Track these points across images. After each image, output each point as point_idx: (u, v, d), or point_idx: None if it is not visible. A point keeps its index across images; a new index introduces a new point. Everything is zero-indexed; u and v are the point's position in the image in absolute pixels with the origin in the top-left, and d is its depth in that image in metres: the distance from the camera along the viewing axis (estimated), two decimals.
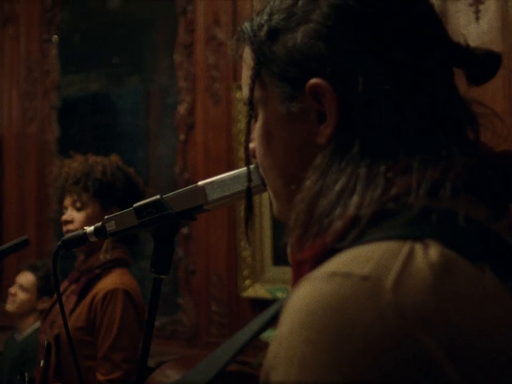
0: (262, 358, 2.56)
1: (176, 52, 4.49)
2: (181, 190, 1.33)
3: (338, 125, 0.87)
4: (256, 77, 0.97)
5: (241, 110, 4.15)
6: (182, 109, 4.47)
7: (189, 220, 1.36)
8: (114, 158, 2.74)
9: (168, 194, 1.33)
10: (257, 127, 0.99)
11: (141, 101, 4.75)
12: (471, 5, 3.60)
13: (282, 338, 0.73)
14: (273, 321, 0.85)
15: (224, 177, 1.27)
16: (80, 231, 1.45)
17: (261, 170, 1.00)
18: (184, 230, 4.44)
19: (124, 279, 2.59)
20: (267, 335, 2.97)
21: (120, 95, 4.84)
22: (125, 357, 2.47)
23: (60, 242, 1.50)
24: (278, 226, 4.08)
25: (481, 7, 3.57)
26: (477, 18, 3.59)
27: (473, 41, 3.59)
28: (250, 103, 0.98)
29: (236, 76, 4.28)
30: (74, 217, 2.63)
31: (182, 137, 4.46)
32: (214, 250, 4.34)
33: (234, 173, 1.26)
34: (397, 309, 0.67)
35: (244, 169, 1.22)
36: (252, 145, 1.02)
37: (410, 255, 0.72)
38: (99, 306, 2.51)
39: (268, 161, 0.98)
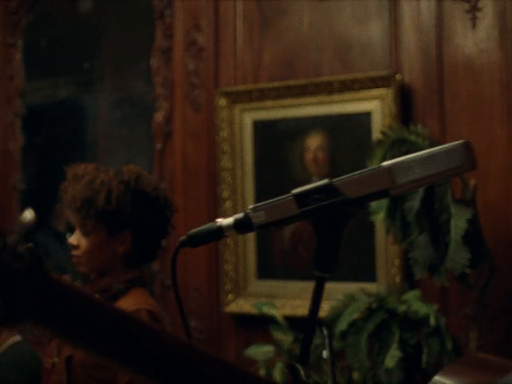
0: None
1: (153, 57, 4.32)
2: (356, 173, 1.17)
3: None
4: None
5: (224, 118, 3.99)
6: (159, 116, 4.29)
7: (361, 208, 1.19)
8: (129, 174, 2.44)
9: (338, 179, 1.16)
10: None
11: (113, 108, 4.54)
12: (467, 11, 3.52)
13: None
14: None
15: (416, 156, 1.10)
16: (212, 224, 1.27)
17: None
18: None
19: (145, 299, 2.39)
20: (251, 351, 2.78)
21: (91, 102, 4.63)
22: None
23: (183, 237, 1.31)
24: (262, 239, 3.93)
25: (478, 14, 3.50)
26: (474, 26, 3.51)
27: (469, 49, 3.55)
28: None
29: (218, 82, 4.12)
30: (80, 242, 2.42)
31: (158, 146, 4.28)
32: (193, 263, 4.16)
33: (429, 152, 1.09)
34: None
35: (441, 147, 1.07)
36: None
37: None
38: None
39: None
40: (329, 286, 3.63)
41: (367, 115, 3.70)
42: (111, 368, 2.27)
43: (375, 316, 3.08)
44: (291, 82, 3.86)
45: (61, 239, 4.87)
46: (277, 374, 3.49)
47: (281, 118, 3.92)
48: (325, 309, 3.65)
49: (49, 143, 4.83)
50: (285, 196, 1.23)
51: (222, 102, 4.01)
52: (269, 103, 3.93)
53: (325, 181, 1.18)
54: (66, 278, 4.84)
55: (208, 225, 1.29)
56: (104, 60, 4.59)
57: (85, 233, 2.40)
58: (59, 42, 4.75)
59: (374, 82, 3.66)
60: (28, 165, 4.90)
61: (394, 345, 2.94)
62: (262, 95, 3.93)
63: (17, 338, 3.46)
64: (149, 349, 0.84)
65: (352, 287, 3.66)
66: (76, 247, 2.43)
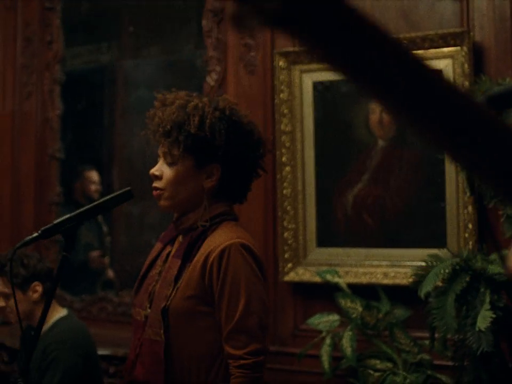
0: (309, 349, 2.32)
1: (204, 19, 4.15)
2: None
3: None
4: None
5: (283, 80, 3.84)
6: (211, 80, 4.13)
7: None
8: (224, 103, 2.27)
9: None
10: None
11: (160, 73, 4.38)
12: None
13: None
14: None
15: None
16: None
17: None
18: None
19: (236, 232, 2.22)
20: (315, 321, 2.65)
21: (135, 68, 4.46)
22: (259, 323, 2.11)
23: None
24: (323, 204, 3.78)
25: None
26: None
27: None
28: None
29: (275, 44, 3.97)
30: (164, 172, 2.23)
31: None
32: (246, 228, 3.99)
33: None
34: None
35: None
36: None
37: None
38: (215, 266, 2.11)
39: None
40: (396, 253, 3.51)
41: None
42: (211, 315, 2.13)
43: (461, 277, 2.93)
44: None
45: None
46: (346, 343, 3.34)
47: (343, 79, 3.76)
48: (401, 275, 3.52)
49: (89, 111, 4.67)
50: None
51: (281, 63, 3.86)
52: None
53: None
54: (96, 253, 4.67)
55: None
56: (149, 23, 4.42)
57: (171, 163, 2.22)
58: (100, 6, 4.58)
59: (445, 40, 3.51)
60: (67, 134, 4.73)
61: (486, 306, 2.80)
62: None
63: (64, 313, 3.32)
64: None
65: (419, 253, 3.52)
66: (159, 177, 2.24)
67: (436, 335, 3.05)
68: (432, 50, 3.54)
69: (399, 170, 3.63)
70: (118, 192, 2.17)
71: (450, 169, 3.49)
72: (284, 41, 3.93)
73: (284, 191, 3.82)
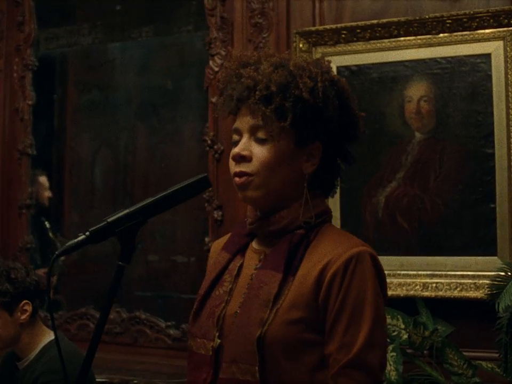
0: None
1: None
2: None
3: None
4: None
5: None
6: (214, 65, 3.62)
7: None
8: (326, 64, 1.74)
9: None
10: None
11: (154, 57, 3.85)
12: None
13: None
14: None
15: None
16: None
17: None
18: (214, 213, 3.58)
19: (355, 237, 1.68)
20: None
21: (124, 51, 3.92)
22: (381, 359, 1.58)
23: None
24: (349, 207, 3.31)
25: None
26: None
27: None
28: None
29: (290, 22, 3.49)
30: (254, 153, 1.66)
31: (215, 99, 3.60)
32: None
33: None
34: None
35: None
36: None
37: None
38: (337, 280, 1.57)
39: None
40: (437, 261, 3.04)
41: (485, 57, 3.12)
42: (321, 345, 1.60)
43: None
44: (387, 20, 3.26)
45: None
46: (390, 365, 2.87)
47: (374, 64, 3.30)
48: (443, 287, 3.10)
49: (66, 101, 4.12)
50: None
51: (301, 44, 3.37)
52: (359, 45, 3.32)
53: None
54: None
55: None
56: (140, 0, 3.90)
57: (263, 139, 1.67)
58: None
59: (496, 19, 3.08)
60: (40, 127, 4.16)
61: None
62: (350, 35, 3.32)
63: (52, 335, 2.74)
64: None
65: (464, 262, 3.09)
66: (247, 159, 1.68)
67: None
68: (481, 31, 3.11)
69: (440, 167, 3.18)
70: (192, 179, 1.62)
71: (501, 164, 3.06)
72: (302, 20, 3.45)
73: None
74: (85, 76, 4.13)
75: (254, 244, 1.78)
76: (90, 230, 1.48)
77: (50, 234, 4.20)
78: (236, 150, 1.69)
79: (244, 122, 1.70)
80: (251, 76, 1.68)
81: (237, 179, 1.69)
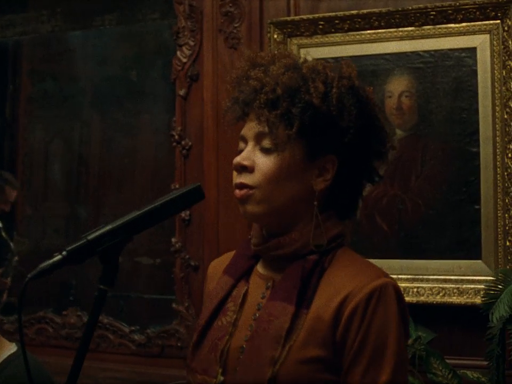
0: None
1: None
2: None
3: None
4: None
5: None
6: (182, 55, 3.43)
7: None
8: (349, 68, 1.56)
9: None
10: None
11: (117, 47, 3.65)
12: None
13: None
14: None
15: None
16: None
17: None
18: (182, 213, 3.39)
19: (376, 266, 1.51)
20: None
21: (85, 40, 3.70)
22: None
23: None
24: None
25: None
26: None
27: None
28: None
29: (263, 12, 3.31)
30: (258, 163, 1.50)
31: (182, 91, 3.42)
32: (226, 236, 3.33)
33: None
34: None
35: None
36: None
37: None
38: (358, 315, 1.40)
39: None
40: (418, 265, 2.91)
41: (471, 51, 2.98)
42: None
43: None
44: (367, 10, 3.11)
45: None
46: None
47: (353, 56, 3.14)
48: (425, 292, 2.98)
49: (20, 91, 3.90)
50: None
51: (276, 35, 3.20)
52: (337, 37, 3.15)
53: None
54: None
55: None
56: None
57: (268, 149, 1.49)
58: None
59: (483, 12, 2.94)
60: None
61: None
62: (328, 26, 3.16)
63: (13, 348, 2.51)
64: None
65: (447, 265, 2.97)
66: (249, 169, 1.51)
67: None
68: (466, 24, 2.97)
69: (422, 166, 3.04)
70: (184, 189, 1.42)
71: (486, 164, 2.93)
72: (276, 10, 3.28)
73: None
74: (40, 65, 3.91)
75: (259, 268, 1.59)
76: (67, 249, 1.28)
77: (3, 233, 3.98)
78: (237, 159, 1.52)
79: (249, 128, 1.53)
80: (258, 78, 1.51)
81: (237, 191, 1.52)
